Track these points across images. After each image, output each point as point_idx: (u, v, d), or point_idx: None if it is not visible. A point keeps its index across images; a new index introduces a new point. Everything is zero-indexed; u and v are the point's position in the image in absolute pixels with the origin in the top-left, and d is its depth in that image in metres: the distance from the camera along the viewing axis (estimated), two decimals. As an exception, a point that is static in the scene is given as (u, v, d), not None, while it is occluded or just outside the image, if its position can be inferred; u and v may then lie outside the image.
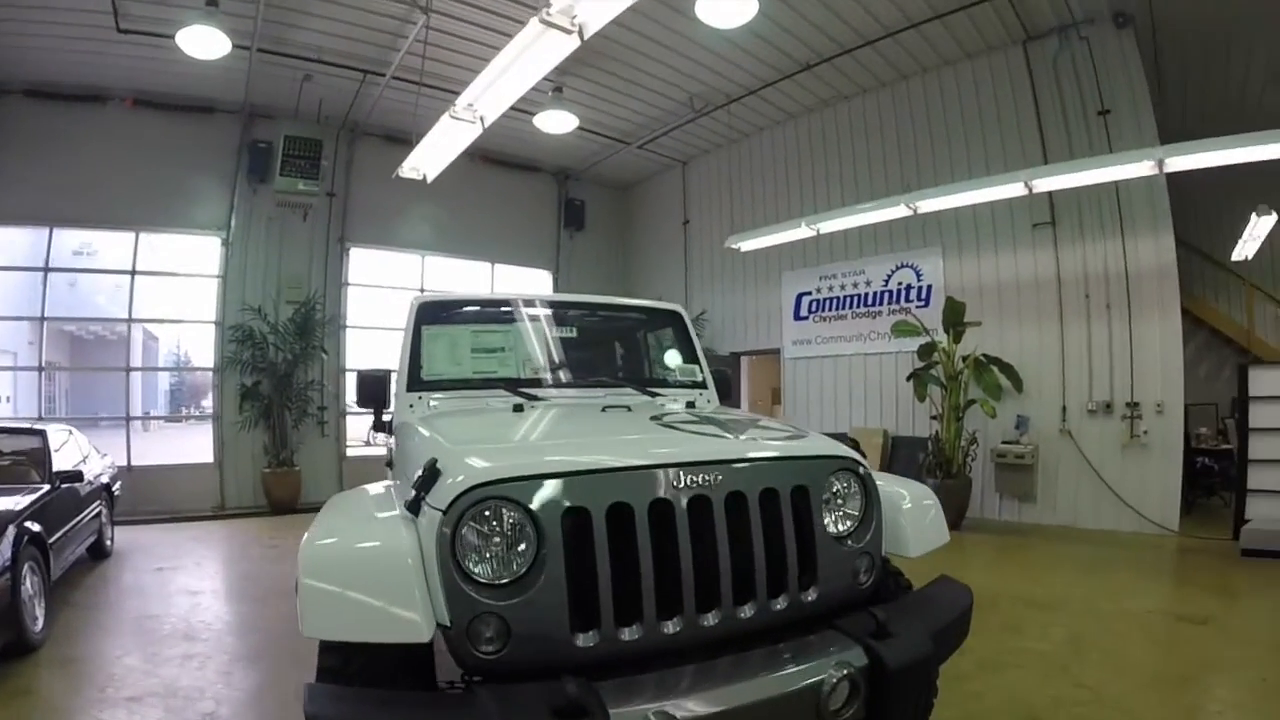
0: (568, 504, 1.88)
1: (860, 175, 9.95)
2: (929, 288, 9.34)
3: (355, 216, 10.09)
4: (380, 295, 10.49)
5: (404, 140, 10.19)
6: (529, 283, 12.15)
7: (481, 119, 6.38)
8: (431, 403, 3.33)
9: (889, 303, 9.78)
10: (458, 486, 1.85)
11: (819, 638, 2.11)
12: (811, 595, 2.18)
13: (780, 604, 2.11)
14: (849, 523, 2.34)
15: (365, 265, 10.34)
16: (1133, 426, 7.35)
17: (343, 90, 8.86)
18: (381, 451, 11.15)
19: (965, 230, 8.85)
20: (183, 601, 5.29)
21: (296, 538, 7.66)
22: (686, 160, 12.21)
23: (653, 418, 2.92)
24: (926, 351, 8.51)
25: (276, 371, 9.01)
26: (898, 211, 7.96)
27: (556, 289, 12.23)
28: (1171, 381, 7.21)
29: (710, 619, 1.99)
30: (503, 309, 3.95)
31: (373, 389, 3.47)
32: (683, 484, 2.00)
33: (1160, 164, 6.21)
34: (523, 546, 1.86)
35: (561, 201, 12.41)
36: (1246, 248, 8.50)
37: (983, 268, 8.73)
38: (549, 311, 4.01)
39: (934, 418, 8.44)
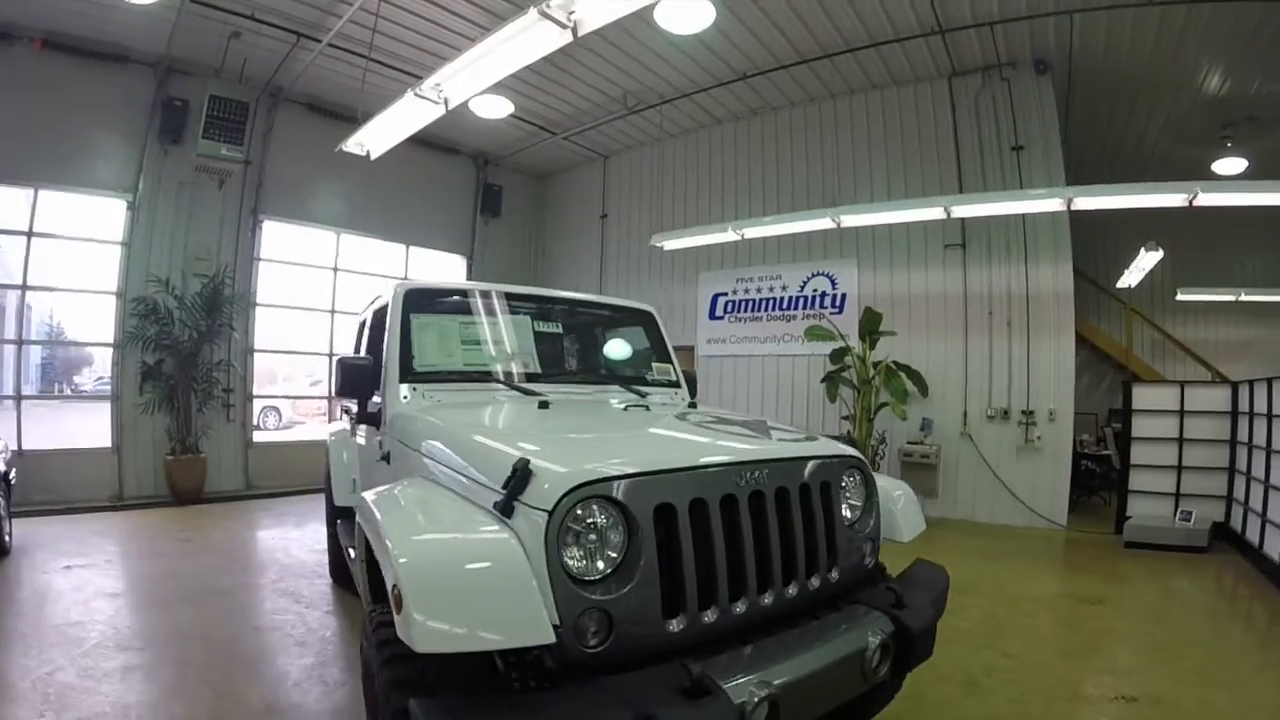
0: (658, 501, 2.00)
1: (783, 184, 10.32)
2: (843, 296, 9.83)
3: (270, 188, 9.33)
4: (292, 273, 9.77)
5: (328, 111, 9.67)
6: (444, 268, 11.72)
7: (446, 101, 6.12)
8: (431, 395, 3.24)
9: (804, 308, 10.20)
10: (560, 488, 1.89)
11: (849, 611, 2.42)
12: (834, 575, 2.48)
13: (814, 583, 2.39)
14: (856, 512, 2.67)
15: (276, 240, 9.59)
16: (1027, 432, 8.12)
17: (272, 51, 8.18)
18: (286, 438, 10.22)
19: (880, 244, 9.39)
20: (104, 606, 4.75)
21: (209, 531, 7.16)
22: (608, 154, 12.19)
23: (678, 418, 3.13)
24: (839, 356, 8.95)
25: (181, 350, 8.22)
26: (823, 223, 8.33)
27: (470, 275, 11.89)
28: (1063, 393, 8.03)
29: (766, 599, 2.21)
30: (488, 300, 3.86)
31: (357, 377, 3.29)
32: (744, 481, 2.21)
33: (1069, 203, 6.86)
34: (617, 542, 1.95)
35: (479, 186, 12.03)
36: (1131, 277, 9.56)
37: (895, 280, 9.30)
38: (532, 306, 4.02)
39: (845, 418, 8.92)
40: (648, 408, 3.42)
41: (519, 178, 12.73)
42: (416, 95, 6.01)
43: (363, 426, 4.08)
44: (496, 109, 9.29)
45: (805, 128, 10.07)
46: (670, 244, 9.91)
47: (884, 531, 2.78)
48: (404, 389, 3.22)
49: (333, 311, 10.02)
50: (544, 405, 3.19)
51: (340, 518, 4.74)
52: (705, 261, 10.99)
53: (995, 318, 8.47)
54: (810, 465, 2.47)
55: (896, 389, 8.42)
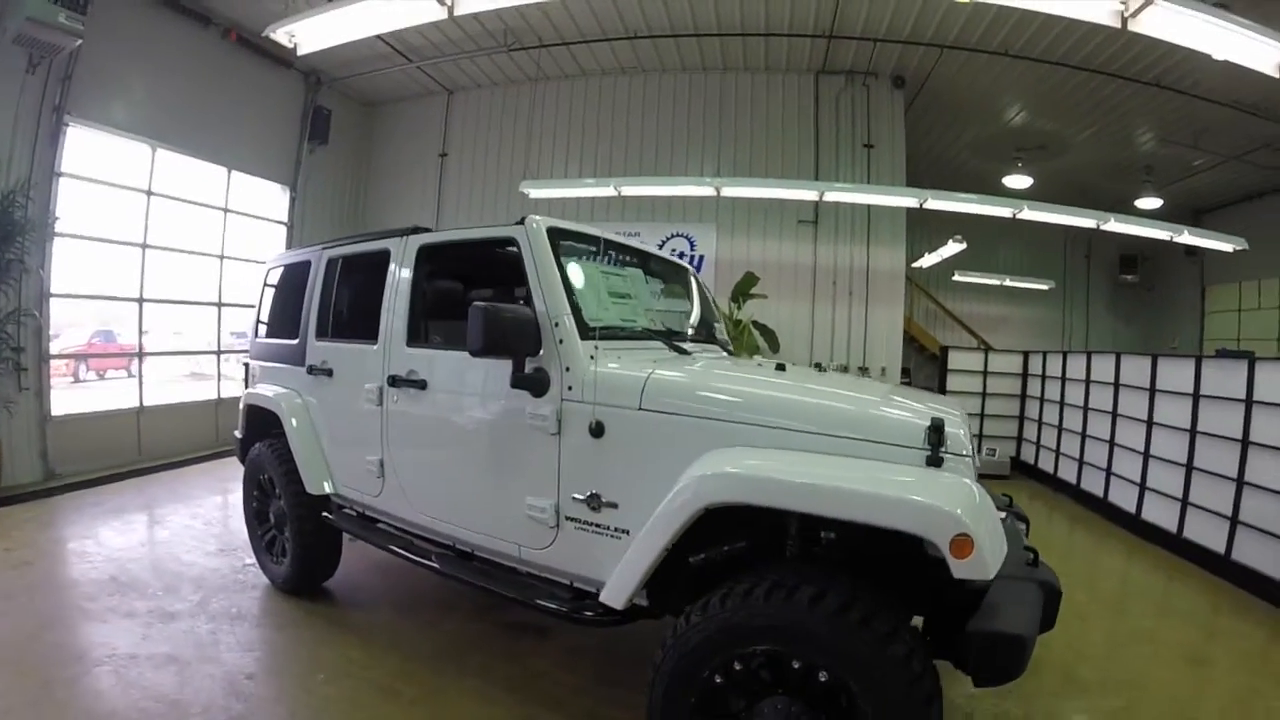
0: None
1: (646, 146, 10.85)
2: (701, 258, 10.82)
3: (82, 82, 7.26)
4: (97, 195, 7.81)
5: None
6: (266, 199, 10.20)
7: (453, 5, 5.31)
8: (614, 355, 2.94)
9: (662, 267, 10.97)
10: (969, 436, 2.41)
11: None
12: None
13: None
14: None
15: (80, 153, 7.59)
16: (865, 386, 9.95)
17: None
18: (92, 408, 8.40)
19: (739, 213, 10.52)
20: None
21: (45, 547, 5.57)
22: (454, 90, 11.54)
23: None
24: None
25: (-37, 296, 6.32)
26: (705, 190, 9.23)
27: (294, 211, 10.52)
28: (893, 353, 10.05)
29: None
30: (608, 249, 3.71)
31: (514, 333, 2.80)
32: None
33: (923, 202, 8.61)
34: None
35: (308, 108, 10.56)
36: (929, 260, 11.98)
37: (751, 247, 10.53)
38: (635, 257, 3.95)
39: (706, 371, 10.01)
40: (821, 366, 3.81)
41: (349, 103, 11.40)
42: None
43: (397, 390, 3.59)
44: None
45: (674, 95, 10.69)
46: (538, 193, 9.96)
47: None
48: (588, 348, 2.90)
49: (144, 246, 8.27)
50: (780, 368, 3.24)
51: (325, 511, 4.19)
52: (559, 213, 11.10)
53: (839, 288, 10.16)
54: None
55: (749, 345, 9.69)
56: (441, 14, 5.41)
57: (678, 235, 10.88)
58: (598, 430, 2.80)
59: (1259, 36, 4.70)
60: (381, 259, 3.86)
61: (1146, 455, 6.64)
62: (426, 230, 3.78)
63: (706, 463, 2.44)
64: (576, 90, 11.06)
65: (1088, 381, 7.78)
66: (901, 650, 2.06)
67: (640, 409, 2.72)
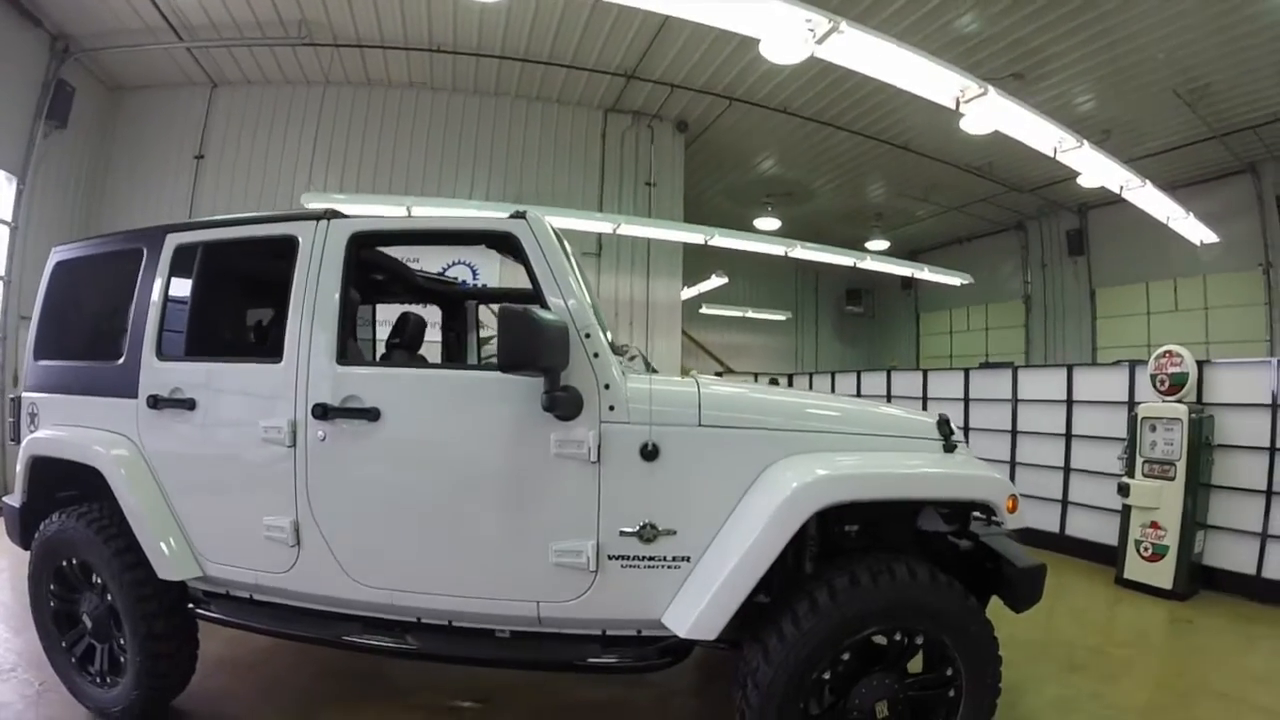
0: None
1: (430, 166, 10.91)
2: (484, 285, 11.24)
3: None
4: None
5: None
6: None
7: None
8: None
9: (444, 296, 11.27)
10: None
11: None
12: None
13: None
14: None
15: None
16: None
17: None
18: None
19: (521, 243, 11.09)
20: None
21: None
22: (220, 83, 10.68)
23: None
24: (485, 341, 10.55)
25: None
26: (501, 215, 9.77)
27: (19, 207, 8.97)
28: (672, 378, 11.18)
29: None
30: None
31: (558, 345, 2.47)
32: None
33: (709, 239, 9.90)
34: None
35: (50, 80, 9.07)
36: (689, 293, 13.50)
37: (534, 278, 11.17)
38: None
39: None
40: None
41: (94, 83, 9.99)
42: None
43: (327, 425, 2.82)
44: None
45: (463, 117, 10.85)
46: (320, 207, 9.84)
47: None
48: (616, 362, 2.70)
49: None
50: (774, 382, 3.90)
51: (185, 600, 3.19)
52: (326, 234, 10.91)
53: (620, 319, 10.99)
54: None
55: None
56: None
57: (460, 263, 10.80)
58: (652, 453, 2.62)
59: (1027, 112, 6.25)
60: (281, 249, 3.06)
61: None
62: (342, 215, 3.09)
63: (793, 470, 2.55)
64: (359, 99, 10.78)
65: (859, 396, 9.53)
66: (974, 601, 2.59)
67: (701, 425, 2.65)
